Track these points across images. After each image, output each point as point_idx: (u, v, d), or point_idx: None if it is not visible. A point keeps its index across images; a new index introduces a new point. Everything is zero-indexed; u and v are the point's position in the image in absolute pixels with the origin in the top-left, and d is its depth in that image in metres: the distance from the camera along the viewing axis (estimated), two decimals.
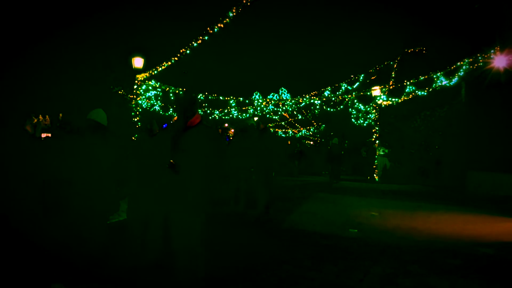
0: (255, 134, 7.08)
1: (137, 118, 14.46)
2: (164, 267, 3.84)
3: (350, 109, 18.62)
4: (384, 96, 16.75)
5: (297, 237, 5.62)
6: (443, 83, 14.43)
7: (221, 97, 17.81)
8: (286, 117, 27.50)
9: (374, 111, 17.14)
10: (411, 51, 18.13)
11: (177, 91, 16.34)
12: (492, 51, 12.12)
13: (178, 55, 13.64)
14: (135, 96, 14.38)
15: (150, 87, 15.08)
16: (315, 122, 30.25)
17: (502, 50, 11.60)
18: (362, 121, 18.96)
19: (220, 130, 12.92)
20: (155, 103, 15.94)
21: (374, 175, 16.46)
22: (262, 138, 6.96)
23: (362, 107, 18.24)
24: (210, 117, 18.88)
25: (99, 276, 3.70)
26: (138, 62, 14.07)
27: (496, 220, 7.24)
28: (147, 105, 15.45)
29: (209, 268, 4.06)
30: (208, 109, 18.47)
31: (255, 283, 3.68)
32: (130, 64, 14.13)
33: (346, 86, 19.27)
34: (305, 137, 33.80)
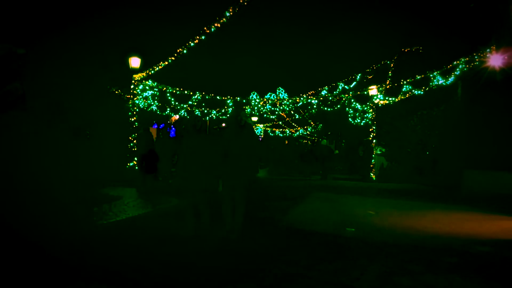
0: (233, 131, 5.49)
1: (134, 118, 14.44)
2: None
3: (347, 109, 18.67)
4: (381, 96, 16.81)
5: (295, 236, 5.63)
6: (440, 82, 14.50)
7: (218, 97, 17.82)
8: (284, 116, 27.55)
9: (371, 110, 17.20)
10: (407, 50, 18.21)
11: (174, 91, 16.33)
12: (488, 50, 12.19)
13: (175, 54, 13.65)
14: (132, 96, 14.36)
15: (147, 87, 15.06)
16: (312, 121, 30.31)
17: (498, 49, 11.66)
18: (359, 121, 19.02)
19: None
20: (152, 103, 15.93)
21: (371, 174, 16.51)
22: (241, 136, 5.41)
23: (359, 106, 18.29)
24: (207, 117, 18.88)
25: (98, 276, 3.70)
26: (135, 62, 14.06)
27: (492, 218, 7.28)
28: (144, 105, 15.44)
29: (206, 267, 4.08)
30: (206, 108, 18.47)
31: (252, 282, 3.69)
32: (127, 63, 14.11)
33: (343, 85, 19.35)
34: (302, 137, 33.82)
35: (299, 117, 27.07)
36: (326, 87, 19.36)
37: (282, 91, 25.21)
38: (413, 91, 15.60)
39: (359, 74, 19.10)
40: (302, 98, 19.03)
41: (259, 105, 19.62)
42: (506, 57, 11.35)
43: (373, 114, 17.07)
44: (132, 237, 5.49)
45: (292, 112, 24.81)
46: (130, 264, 4.13)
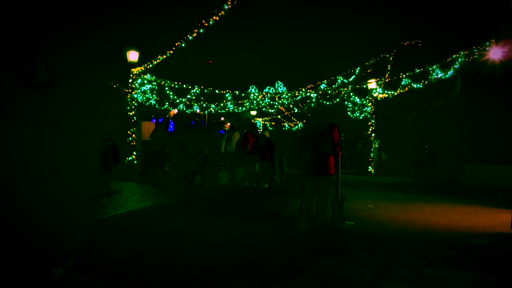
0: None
1: (133, 112, 14.40)
2: None
3: (346, 102, 18.63)
4: (380, 89, 16.77)
5: (294, 230, 5.63)
6: (439, 75, 14.46)
7: (217, 91, 17.76)
8: (283, 110, 27.50)
9: (370, 104, 17.16)
10: (407, 43, 18.15)
11: (172, 85, 16.27)
12: (487, 43, 12.14)
13: (174, 48, 13.57)
14: (130, 90, 14.30)
15: (145, 81, 15.00)
16: (311, 115, 30.26)
17: (497, 43, 11.60)
18: (358, 114, 18.99)
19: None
20: (151, 97, 15.88)
21: (370, 167, 16.52)
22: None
23: (358, 100, 18.26)
24: (206, 111, 18.83)
25: (98, 268, 3.70)
26: (133, 55, 13.99)
27: (490, 212, 7.30)
28: (143, 99, 15.38)
29: (205, 259, 4.08)
30: (204, 102, 18.42)
31: (251, 275, 3.69)
32: (125, 57, 14.03)
33: (342, 79, 19.31)
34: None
35: (298, 111, 27.04)
36: (325, 81, 19.33)
37: (281, 85, 25.17)
38: (412, 84, 15.56)
39: (358, 68, 19.06)
40: (301, 92, 18.99)
41: (258, 99, 19.58)
42: (505, 51, 11.29)
43: (372, 108, 17.04)
44: (131, 231, 5.49)
45: (291, 106, 24.75)
46: (129, 259, 4.13)
